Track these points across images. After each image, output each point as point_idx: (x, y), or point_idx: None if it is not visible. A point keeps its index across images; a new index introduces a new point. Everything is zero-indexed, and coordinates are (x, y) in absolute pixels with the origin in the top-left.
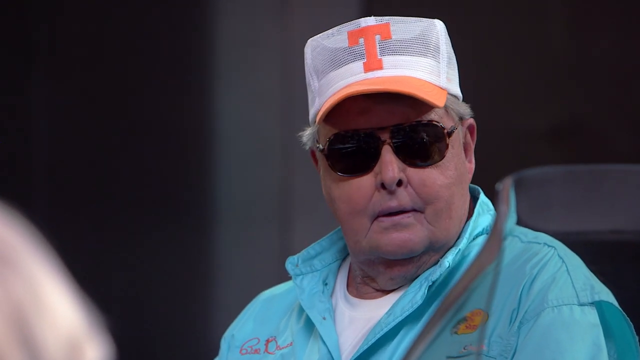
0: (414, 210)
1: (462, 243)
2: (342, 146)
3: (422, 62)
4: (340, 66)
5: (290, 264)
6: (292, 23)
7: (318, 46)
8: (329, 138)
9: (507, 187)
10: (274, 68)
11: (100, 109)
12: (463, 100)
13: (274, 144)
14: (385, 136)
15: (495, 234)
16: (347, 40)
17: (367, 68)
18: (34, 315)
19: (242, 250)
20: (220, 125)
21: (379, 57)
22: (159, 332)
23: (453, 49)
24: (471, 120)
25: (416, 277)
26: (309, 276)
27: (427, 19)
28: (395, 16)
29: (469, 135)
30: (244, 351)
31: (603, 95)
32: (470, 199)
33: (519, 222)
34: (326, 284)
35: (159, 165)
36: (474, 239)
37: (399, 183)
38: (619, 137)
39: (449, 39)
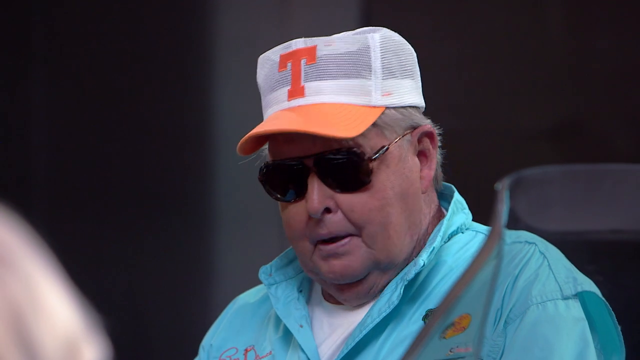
0: (350, 234)
1: (436, 242)
2: (273, 175)
3: (347, 84)
4: (272, 91)
5: (264, 273)
6: (292, 23)
7: (262, 63)
8: (262, 167)
9: (505, 187)
10: None
11: (99, 109)
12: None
13: None
14: (310, 164)
15: (494, 234)
16: (278, 65)
17: (291, 95)
18: (32, 316)
19: (242, 250)
20: (219, 125)
21: (302, 84)
22: (157, 332)
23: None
24: (427, 127)
25: (373, 293)
26: (283, 284)
27: (361, 34)
28: (327, 36)
29: (427, 142)
30: None
31: (603, 95)
32: (438, 199)
33: (519, 222)
34: (301, 291)
35: (159, 165)
36: (449, 238)
37: (328, 210)
38: (618, 136)
39: (394, 49)
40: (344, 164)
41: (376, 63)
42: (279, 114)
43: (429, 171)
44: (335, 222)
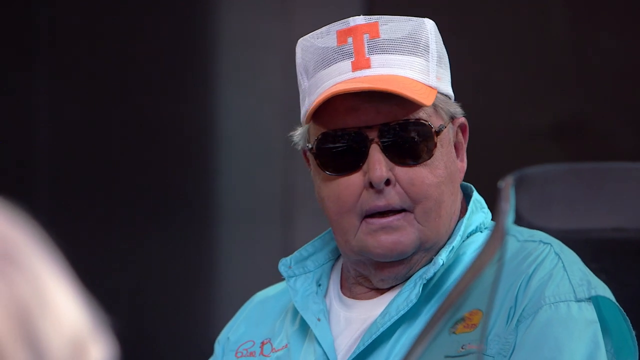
0: (403, 210)
1: (456, 241)
2: (330, 145)
3: (411, 61)
4: (329, 65)
5: (283, 265)
6: (294, 23)
7: (308, 45)
8: (318, 137)
9: (509, 185)
10: (276, 67)
11: (102, 108)
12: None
13: (276, 143)
14: (373, 135)
15: (497, 232)
16: (336, 40)
17: (355, 67)
18: (38, 314)
19: (245, 249)
20: (222, 124)
21: (367, 56)
22: (162, 331)
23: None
24: (462, 120)
25: (409, 276)
26: (302, 277)
27: (417, 18)
28: (385, 15)
29: (460, 134)
30: (239, 354)
31: (605, 93)
32: (463, 197)
33: (522, 220)
34: (320, 285)
35: (162, 164)
36: (467, 237)
37: (387, 182)
38: (621, 135)
39: (440, 38)
40: (411, 135)
41: (432, 46)
42: (347, 81)
43: (462, 163)
44: (393, 194)
